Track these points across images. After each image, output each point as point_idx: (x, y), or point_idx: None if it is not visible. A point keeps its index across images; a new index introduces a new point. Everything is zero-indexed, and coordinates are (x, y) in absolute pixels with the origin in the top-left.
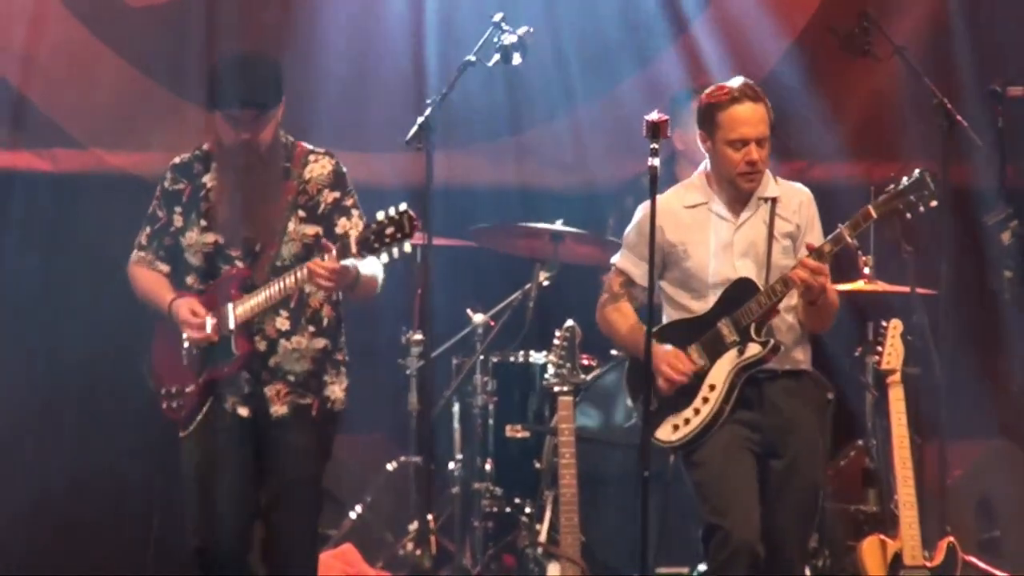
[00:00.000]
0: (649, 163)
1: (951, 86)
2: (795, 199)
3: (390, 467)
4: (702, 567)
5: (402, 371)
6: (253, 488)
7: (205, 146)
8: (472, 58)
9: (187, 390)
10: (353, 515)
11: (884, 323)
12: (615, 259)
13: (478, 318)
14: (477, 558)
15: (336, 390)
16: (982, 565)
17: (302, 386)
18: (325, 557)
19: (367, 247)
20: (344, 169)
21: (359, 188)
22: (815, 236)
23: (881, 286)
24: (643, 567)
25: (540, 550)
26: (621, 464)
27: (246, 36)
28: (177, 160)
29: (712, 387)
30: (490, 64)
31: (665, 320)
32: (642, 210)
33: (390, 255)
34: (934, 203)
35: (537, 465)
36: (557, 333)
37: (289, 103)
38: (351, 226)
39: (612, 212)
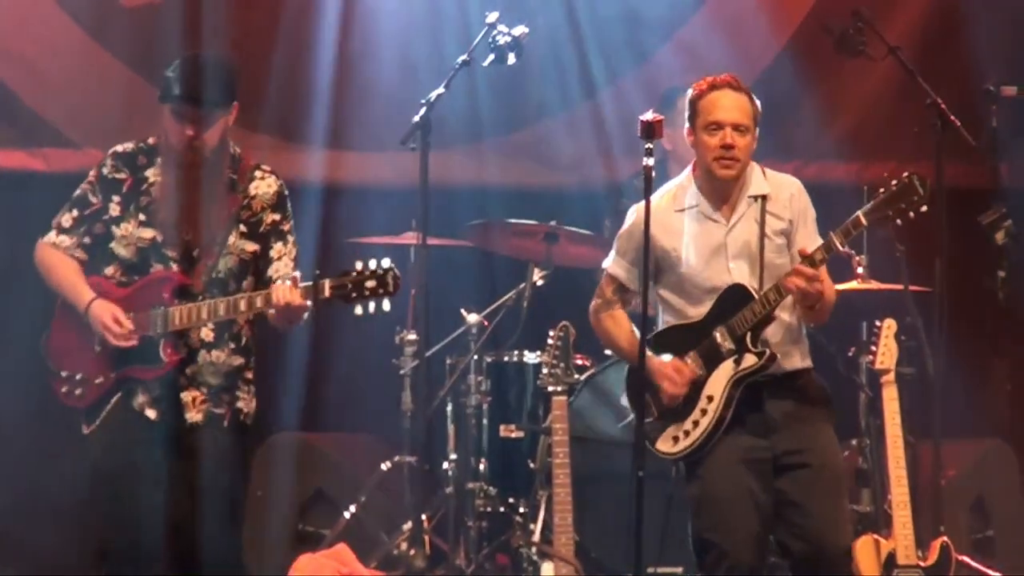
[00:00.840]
0: (644, 163)
1: (945, 86)
2: (785, 192)
3: (384, 467)
4: None
5: (396, 371)
6: (161, 492)
7: (151, 140)
8: (467, 58)
9: (96, 381)
10: (347, 515)
11: (878, 323)
12: (606, 263)
13: (472, 318)
14: (471, 558)
15: (248, 405)
16: (976, 565)
17: (217, 396)
18: (319, 557)
19: (342, 295)
20: (287, 192)
21: (355, 188)
22: (809, 229)
23: (875, 285)
24: (637, 566)
25: (534, 550)
26: (615, 463)
27: (238, 36)
28: (120, 148)
29: (710, 398)
30: (485, 64)
31: (661, 325)
32: (633, 214)
33: (364, 309)
34: (924, 208)
35: (531, 465)
36: (551, 333)
37: (282, 103)
38: (285, 252)
39: (608, 213)
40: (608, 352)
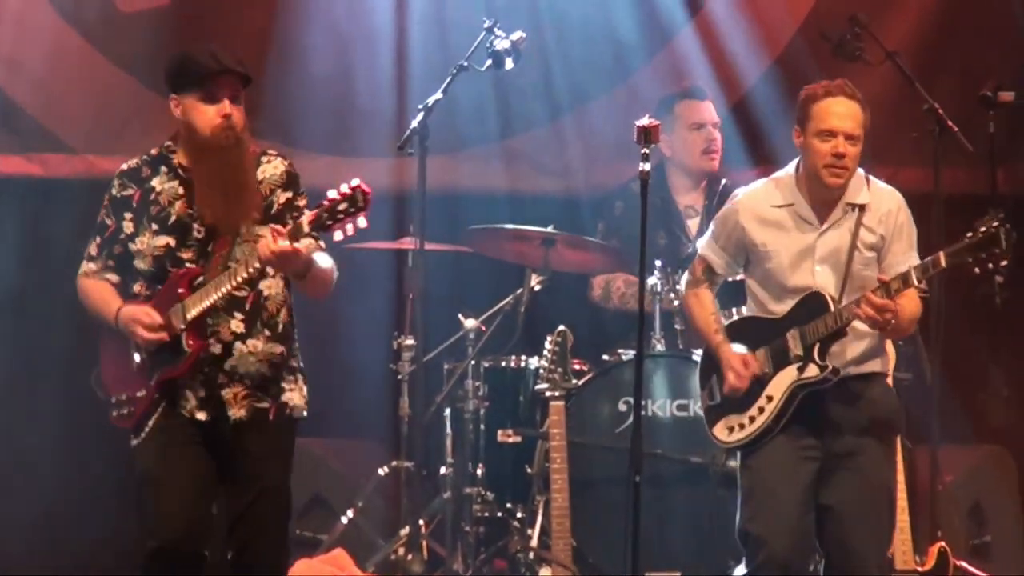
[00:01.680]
0: (640, 168)
1: (942, 91)
2: (883, 207)
3: (381, 472)
4: (739, 570)
5: (393, 376)
6: (210, 491)
7: (153, 151)
8: (464, 63)
9: (138, 395)
10: (344, 520)
11: None
12: (699, 243)
13: (470, 323)
14: (468, 563)
15: (295, 397)
16: (973, 570)
17: (260, 389)
18: (316, 562)
19: (319, 225)
20: (296, 171)
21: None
22: (902, 246)
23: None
24: (634, 571)
25: (532, 555)
26: (613, 468)
27: (234, 41)
28: (125, 167)
29: (770, 398)
30: (483, 69)
31: (746, 312)
32: (731, 201)
33: (344, 232)
34: (1004, 263)
35: (528, 470)
36: (549, 338)
37: (277, 108)
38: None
39: (602, 218)
40: (605, 357)
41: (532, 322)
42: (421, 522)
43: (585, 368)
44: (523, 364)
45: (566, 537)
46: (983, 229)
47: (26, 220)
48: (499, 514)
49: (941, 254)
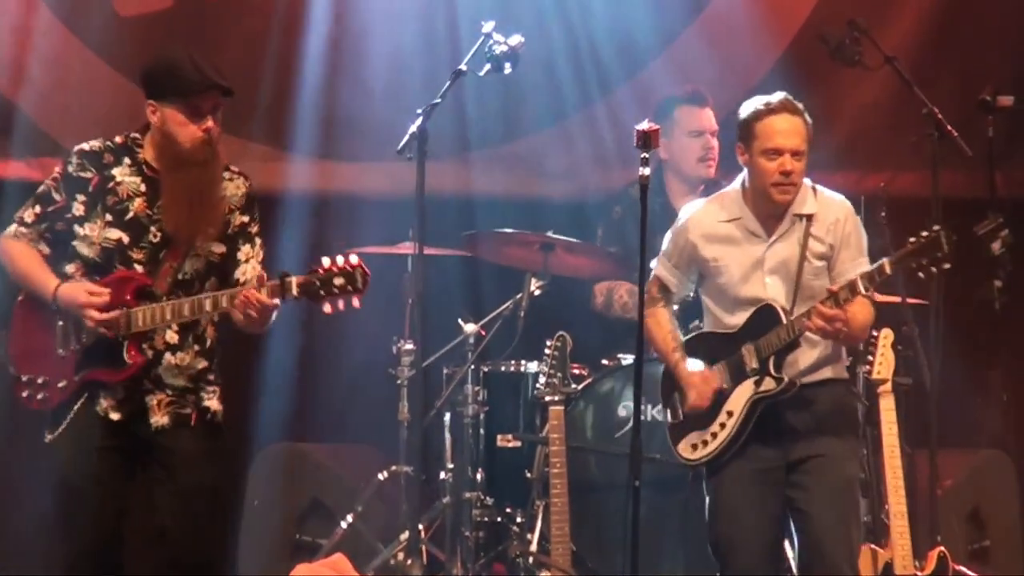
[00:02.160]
0: (640, 172)
1: (941, 95)
2: (831, 216)
3: (381, 476)
4: None
5: (393, 380)
6: (122, 493)
7: (118, 138)
8: (464, 67)
9: (59, 384)
10: (344, 525)
11: (875, 333)
12: (653, 263)
13: (469, 328)
14: (468, 567)
15: (214, 403)
16: (972, 575)
17: (181, 398)
18: (316, 566)
19: (310, 293)
20: (255, 193)
21: (351, 198)
22: (851, 254)
23: (872, 296)
24: (633, 573)
25: (531, 559)
26: (612, 473)
27: (232, 45)
28: (86, 147)
29: (730, 413)
30: (481, 74)
31: (703, 327)
32: (681, 216)
33: (334, 307)
34: (947, 266)
35: (528, 475)
36: (548, 343)
37: (274, 113)
38: (252, 254)
39: (600, 222)
40: (605, 362)
41: (532, 327)
42: (421, 527)
43: (584, 373)
44: (523, 369)
45: (565, 541)
46: (925, 234)
47: None
48: (498, 519)
49: (885, 261)
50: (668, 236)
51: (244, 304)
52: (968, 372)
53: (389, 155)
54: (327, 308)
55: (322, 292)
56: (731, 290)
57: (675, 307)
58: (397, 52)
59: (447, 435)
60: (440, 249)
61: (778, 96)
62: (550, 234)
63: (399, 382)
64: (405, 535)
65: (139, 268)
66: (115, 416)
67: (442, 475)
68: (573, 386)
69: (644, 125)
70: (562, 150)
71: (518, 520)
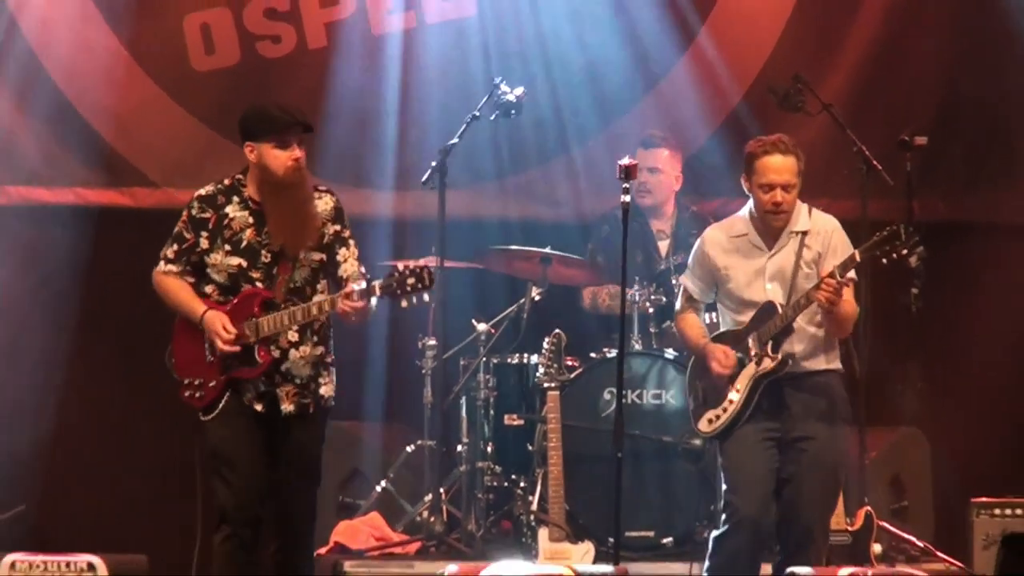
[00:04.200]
0: (622, 199)
1: (868, 136)
2: (823, 230)
3: (409, 449)
4: (716, 531)
5: (419, 371)
6: (264, 466)
7: (226, 180)
8: (476, 113)
9: (210, 384)
10: (379, 489)
11: None
12: (682, 277)
13: (481, 327)
14: (480, 523)
15: (327, 389)
16: (893, 530)
17: (305, 387)
18: (356, 523)
19: (389, 292)
20: (342, 206)
21: (385, 220)
22: (837, 258)
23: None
24: (616, 531)
25: (532, 517)
26: (599, 446)
27: (290, 95)
28: (202, 192)
29: (737, 391)
30: (491, 119)
31: (722, 328)
32: (699, 240)
33: (409, 302)
34: (905, 251)
35: (530, 448)
36: (546, 339)
37: (330, 152)
38: (349, 254)
39: (591, 239)
40: (593, 355)
41: (532, 326)
42: (441, 490)
43: (576, 364)
44: (525, 360)
45: (560, 502)
46: (887, 229)
47: (118, 242)
48: (505, 484)
49: (856, 251)
50: (691, 254)
51: (343, 313)
52: (891, 363)
53: (416, 185)
54: (403, 303)
55: (399, 291)
56: (737, 293)
57: (703, 313)
58: (418, 100)
59: (463, 415)
60: (457, 262)
61: (774, 137)
62: (548, 250)
63: (423, 371)
64: (428, 497)
65: (259, 285)
66: (258, 407)
67: (459, 448)
68: (567, 375)
69: (625, 160)
70: (560, 181)
71: (522, 485)
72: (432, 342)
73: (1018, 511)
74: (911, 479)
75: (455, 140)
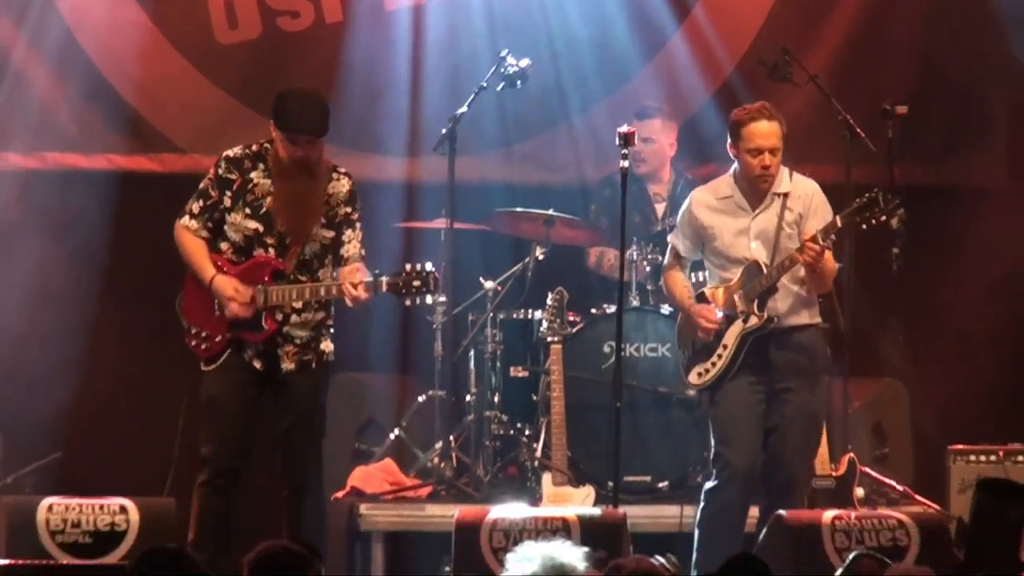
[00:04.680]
0: (620, 165)
1: (852, 105)
2: (803, 192)
3: (420, 399)
4: (709, 484)
5: (430, 325)
6: (252, 423)
7: (254, 146)
8: (484, 84)
9: (216, 339)
10: (392, 436)
11: None
12: (670, 235)
13: (489, 284)
14: (488, 469)
15: (327, 345)
16: (874, 475)
17: (306, 346)
18: (371, 469)
19: (395, 290)
20: (356, 189)
21: (399, 185)
22: (817, 221)
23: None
24: (615, 475)
25: (536, 463)
26: (599, 397)
27: (306, 68)
28: (230, 153)
29: (725, 346)
30: (498, 89)
31: (709, 283)
32: (687, 201)
33: (412, 302)
34: (884, 217)
35: (534, 398)
36: (550, 296)
37: (345, 120)
38: (354, 236)
39: (592, 202)
40: (593, 311)
41: (537, 284)
42: (451, 438)
43: (577, 319)
44: (530, 316)
45: (563, 449)
46: (866, 195)
47: (147, 205)
48: (511, 432)
49: (836, 216)
50: (679, 214)
51: (352, 299)
52: (873, 319)
53: (427, 152)
54: (407, 302)
55: (404, 290)
56: (725, 251)
57: (687, 269)
58: (429, 68)
59: (471, 367)
60: (466, 224)
61: (758, 105)
62: (551, 212)
63: (434, 326)
64: (439, 444)
65: (272, 251)
66: (257, 365)
67: (468, 398)
68: (569, 329)
69: (624, 128)
70: (563, 146)
71: (526, 433)
72: (442, 299)
73: (992, 457)
74: (892, 428)
75: (464, 109)
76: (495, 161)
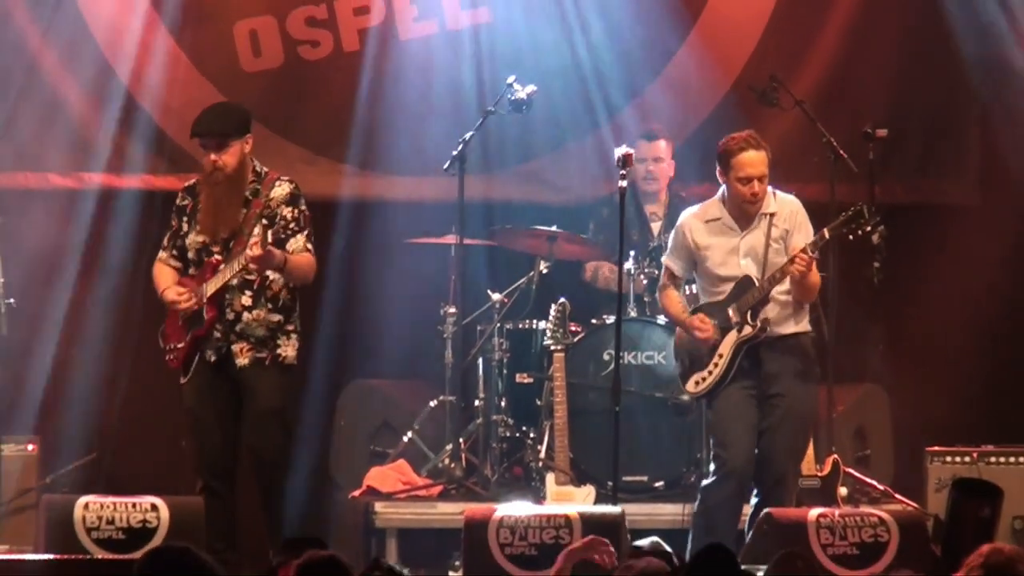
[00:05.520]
0: (619, 185)
1: (836, 128)
2: (787, 210)
3: (432, 404)
4: (706, 481)
5: (441, 335)
6: (231, 423)
7: (208, 170)
8: (492, 109)
9: (179, 346)
10: (405, 439)
11: None
12: (664, 257)
13: (496, 296)
14: (495, 469)
15: (288, 351)
16: (857, 475)
17: (261, 344)
18: (385, 469)
19: (276, 243)
20: (299, 192)
21: (412, 204)
22: (802, 235)
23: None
24: (614, 475)
25: (540, 464)
26: (599, 402)
27: (327, 95)
28: (187, 184)
29: (720, 355)
30: (505, 114)
31: (701, 300)
32: (678, 225)
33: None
34: (869, 228)
35: (538, 403)
36: (553, 307)
37: (368, 141)
38: (297, 231)
39: (592, 220)
40: (594, 321)
41: (541, 296)
42: (461, 440)
43: (579, 329)
44: (534, 326)
45: (565, 451)
46: (852, 209)
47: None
48: (517, 434)
49: (825, 229)
50: (671, 236)
51: (252, 261)
52: (855, 328)
53: (439, 172)
54: (291, 247)
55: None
56: (715, 270)
57: (683, 289)
58: (444, 95)
59: (480, 374)
60: (475, 240)
61: (745, 134)
62: (554, 229)
63: (445, 336)
64: (449, 446)
65: (219, 258)
66: (212, 358)
67: (476, 403)
68: (571, 339)
69: (622, 150)
70: (565, 167)
71: (531, 436)
72: (452, 310)
73: (966, 459)
74: (873, 431)
75: (472, 132)
76: (501, 181)
